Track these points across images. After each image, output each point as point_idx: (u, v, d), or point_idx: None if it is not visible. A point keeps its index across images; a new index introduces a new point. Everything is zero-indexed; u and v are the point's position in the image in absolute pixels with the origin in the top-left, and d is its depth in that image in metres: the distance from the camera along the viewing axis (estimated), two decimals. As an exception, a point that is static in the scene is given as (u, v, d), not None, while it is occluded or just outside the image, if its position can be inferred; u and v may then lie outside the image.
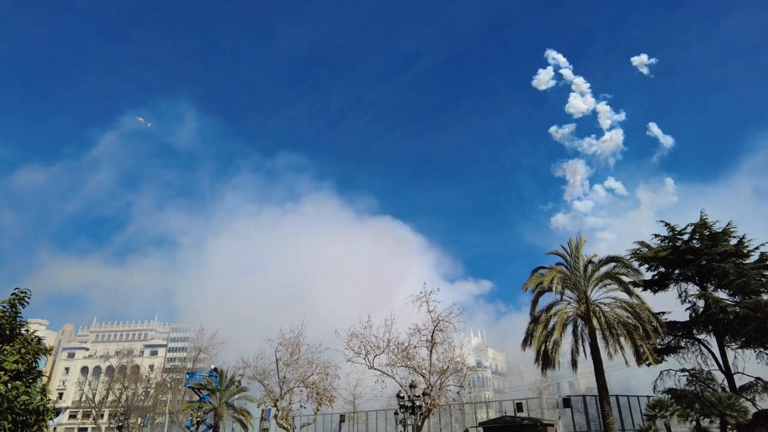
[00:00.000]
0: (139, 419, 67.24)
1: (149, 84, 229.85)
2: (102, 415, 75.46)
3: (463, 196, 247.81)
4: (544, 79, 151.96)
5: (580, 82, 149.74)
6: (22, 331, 8.17)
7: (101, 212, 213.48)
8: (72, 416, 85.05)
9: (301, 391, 40.96)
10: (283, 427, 40.17)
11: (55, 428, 76.35)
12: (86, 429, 79.28)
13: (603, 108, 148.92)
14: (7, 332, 7.65)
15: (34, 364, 7.97)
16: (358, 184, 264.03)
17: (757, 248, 31.60)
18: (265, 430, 38.13)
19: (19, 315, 8.09)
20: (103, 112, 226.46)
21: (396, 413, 30.63)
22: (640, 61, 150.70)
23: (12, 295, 8.07)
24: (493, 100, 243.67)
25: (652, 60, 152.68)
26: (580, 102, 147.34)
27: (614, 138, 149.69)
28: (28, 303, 8.07)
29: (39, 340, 8.42)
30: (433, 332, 34.08)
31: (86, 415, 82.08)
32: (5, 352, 7.37)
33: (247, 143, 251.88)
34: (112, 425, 58.21)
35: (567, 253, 26.62)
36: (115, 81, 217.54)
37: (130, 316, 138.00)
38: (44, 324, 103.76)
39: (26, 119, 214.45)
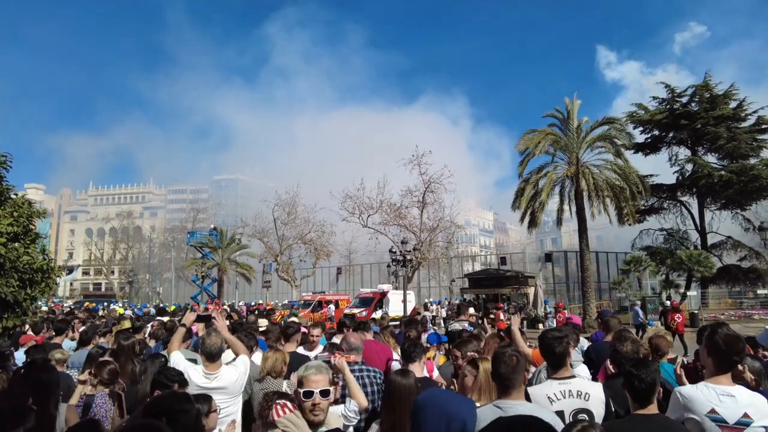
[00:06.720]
0: (148, 275, 71.88)
1: None
2: (113, 272, 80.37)
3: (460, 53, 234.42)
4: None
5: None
6: (11, 196, 8.08)
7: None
8: (85, 273, 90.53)
9: (299, 246, 43.43)
10: (285, 279, 43.27)
11: (71, 283, 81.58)
12: (100, 284, 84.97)
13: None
14: (-5, 197, 7.57)
15: (30, 227, 8.03)
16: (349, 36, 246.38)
17: (755, 112, 31.04)
18: (267, 282, 40.87)
19: (4, 179, 7.90)
20: None
21: (388, 266, 32.62)
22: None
23: (-8, 160, 7.72)
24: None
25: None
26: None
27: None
28: (11, 167, 7.89)
29: (30, 203, 8.38)
30: (424, 193, 35.00)
31: (98, 272, 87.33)
32: (-2, 216, 7.34)
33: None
34: (123, 281, 62.15)
35: (562, 115, 26.04)
36: None
37: (126, 179, 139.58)
38: (41, 188, 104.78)
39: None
